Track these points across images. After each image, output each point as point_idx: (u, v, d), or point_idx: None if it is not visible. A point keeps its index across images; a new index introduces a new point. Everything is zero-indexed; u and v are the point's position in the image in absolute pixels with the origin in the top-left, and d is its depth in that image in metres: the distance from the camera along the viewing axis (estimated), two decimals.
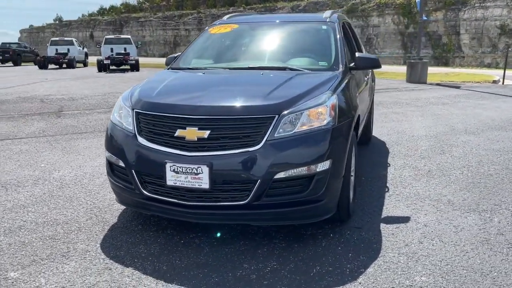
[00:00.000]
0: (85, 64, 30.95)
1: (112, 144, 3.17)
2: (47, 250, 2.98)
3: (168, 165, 2.83)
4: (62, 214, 3.61)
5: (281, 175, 2.78)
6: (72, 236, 3.20)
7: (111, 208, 3.71)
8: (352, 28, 5.42)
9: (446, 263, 2.78)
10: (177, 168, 2.81)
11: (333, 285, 2.55)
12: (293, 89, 3.13)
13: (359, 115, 3.75)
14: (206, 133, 2.81)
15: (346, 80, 3.56)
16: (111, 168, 3.24)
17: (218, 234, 3.18)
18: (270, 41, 4.20)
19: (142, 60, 27.85)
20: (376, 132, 6.92)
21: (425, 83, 15.60)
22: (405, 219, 3.48)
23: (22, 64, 32.19)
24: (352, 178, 3.61)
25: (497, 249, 2.96)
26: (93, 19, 68.28)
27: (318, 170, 2.85)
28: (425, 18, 17.37)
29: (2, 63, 32.26)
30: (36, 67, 27.97)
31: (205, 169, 2.75)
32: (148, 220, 3.48)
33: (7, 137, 6.69)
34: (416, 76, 15.75)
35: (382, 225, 3.37)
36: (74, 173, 4.77)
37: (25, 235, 3.23)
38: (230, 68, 3.86)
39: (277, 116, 2.84)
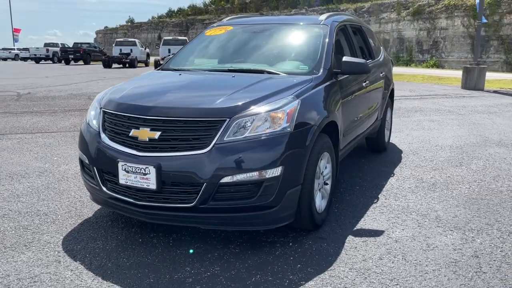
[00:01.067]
0: (146, 64, 32.34)
1: (82, 142, 3.28)
2: (14, 239, 3.15)
3: (120, 164, 2.88)
4: (46, 206, 3.79)
5: (227, 179, 2.74)
6: (44, 227, 3.36)
7: (93, 204, 3.84)
8: (364, 30, 5.22)
9: (396, 283, 2.60)
10: (128, 168, 2.86)
11: None
12: (253, 93, 3.07)
13: (341, 121, 3.61)
14: (156, 134, 2.83)
15: (323, 86, 3.43)
16: (82, 166, 3.35)
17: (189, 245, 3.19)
18: (257, 43, 4.14)
19: None
20: (399, 140, 6.62)
21: (481, 90, 14.64)
22: (377, 233, 3.30)
23: (92, 63, 34.29)
24: (328, 187, 3.48)
25: (462, 273, 2.72)
26: (162, 21, 71.07)
27: (267, 176, 2.77)
28: (484, 20, 16.31)
29: (74, 62, 34.62)
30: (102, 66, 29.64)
31: (152, 170, 2.77)
32: (121, 218, 3.56)
33: (40, 131, 7.14)
34: (471, 82, 14.83)
35: (350, 238, 3.21)
36: (78, 167, 4.99)
37: (3, 223, 3.43)
38: (210, 70, 3.86)
39: (227, 119, 2.81)
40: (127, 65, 29.09)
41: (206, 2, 72.37)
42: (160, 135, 2.83)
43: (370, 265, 2.81)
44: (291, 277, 2.67)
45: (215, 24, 4.62)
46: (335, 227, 3.41)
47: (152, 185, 2.79)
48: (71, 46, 35.99)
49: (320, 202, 3.33)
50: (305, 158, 2.96)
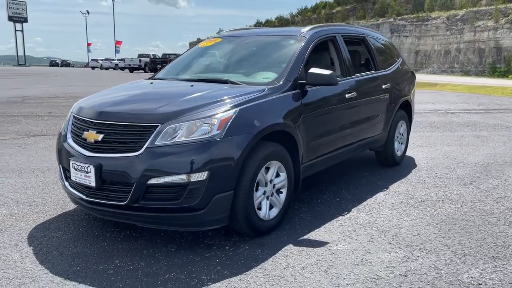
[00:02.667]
0: None
1: (56, 145, 3.67)
2: None
3: (71, 162, 3.22)
4: (42, 198, 4.27)
5: (154, 181, 2.94)
6: (27, 216, 3.79)
7: None
8: (368, 42, 5.13)
9: None
10: (76, 166, 3.18)
11: None
12: (195, 101, 3.25)
13: (300, 132, 3.64)
14: (100, 137, 3.13)
15: (277, 96, 3.50)
16: (60, 170, 3.71)
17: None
18: (236, 55, 4.30)
19: None
20: (423, 155, 6.32)
21: None
22: (320, 244, 3.28)
23: None
24: (282, 196, 3.53)
25: None
26: None
27: (192, 180, 2.93)
28: None
29: None
30: None
31: (92, 169, 3.06)
32: None
33: None
34: None
35: (289, 246, 3.24)
36: None
37: None
38: (182, 80, 4.09)
39: (160, 125, 3.01)
40: None
41: (293, 13, 73.22)
42: (103, 138, 3.12)
43: (286, 274, 2.83)
44: (202, 277, 2.79)
45: (209, 36, 4.86)
46: (284, 235, 3.45)
47: (92, 183, 3.08)
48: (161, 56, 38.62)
49: (266, 210, 3.39)
50: (237, 165, 3.06)
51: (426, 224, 3.71)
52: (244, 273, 2.84)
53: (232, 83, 3.74)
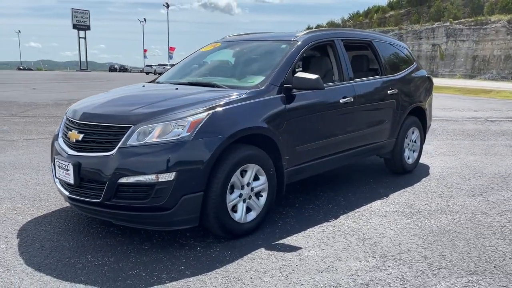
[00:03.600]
0: None
1: (51, 144, 3.87)
2: None
3: (56, 160, 3.40)
4: (47, 194, 4.52)
5: (124, 180, 3.04)
6: (27, 210, 4.03)
7: None
8: (375, 47, 5.01)
9: None
10: (59, 163, 3.36)
11: (129, 286, 2.72)
12: (170, 104, 3.34)
13: (281, 135, 3.63)
14: (80, 136, 3.29)
15: (258, 100, 3.51)
16: (52, 168, 3.91)
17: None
18: (230, 59, 4.35)
19: None
20: (442, 163, 6.07)
21: None
22: (292, 249, 3.25)
23: None
24: (262, 199, 3.54)
25: None
26: None
27: (159, 180, 3.00)
28: None
29: None
30: None
31: (71, 167, 3.22)
32: None
33: None
34: None
35: (260, 250, 3.23)
36: None
37: (4, 204, 4.20)
38: (173, 83, 4.19)
39: (132, 126, 3.12)
40: None
41: (345, 18, 72.38)
42: (83, 137, 3.28)
43: (246, 276, 2.84)
44: (163, 276, 2.85)
45: (212, 41, 4.94)
46: (260, 238, 3.45)
47: (71, 180, 3.24)
48: None
49: (242, 213, 3.40)
50: (207, 167, 3.10)
51: (412, 234, 3.57)
52: (205, 274, 2.87)
53: (218, 86, 3.80)
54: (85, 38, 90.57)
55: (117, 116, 3.26)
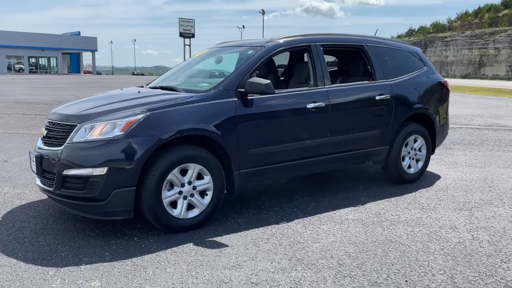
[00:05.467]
0: None
1: None
2: (1, 201, 4.54)
3: (30, 154, 3.93)
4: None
5: (66, 172, 3.45)
6: (30, 199, 4.65)
7: None
8: (367, 52, 4.89)
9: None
10: (31, 156, 3.87)
11: (50, 264, 3.09)
12: (119, 105, 3.69)
13: (231, 138, 3.77)
14: (45, 133, 3.77)
15: (204, 103, 3.70)
16: None
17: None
18: (207, 65, 4.59)
19: None
20: (454, 175, 5.68)
21: None
22: (217, 246, 3.40)
23: None
24: (208, 198, 3.72)
25: None
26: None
27: (93, 173, 3.36)
28: None
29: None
30: None
31: (34, 159, 3.72)
32: None
33: None
34: None
35: (187, 244, 3.42)
36: None
37: (15, 190, 4.89)
38: (150, 87, 4.52)
39: (78, 124, 3.52)
40: None
41: (451, 19, 67.93)
42: (46, 133, 3.76)
43: (153, 266, 3.06)
44: (85, 259, 3.17)
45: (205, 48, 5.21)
46: (198, 234, 3.63)
47: (35, 169, 3.74)
48: None
49: (181, 209, 3.62)
50: (139, 164, 3.38)
51: (350, 242, 3.50)
52: (119, 261, 3.15)
53: (175, 90, 4.07)
54: (189, 45, 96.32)
55: (71, 116, 3.70)
